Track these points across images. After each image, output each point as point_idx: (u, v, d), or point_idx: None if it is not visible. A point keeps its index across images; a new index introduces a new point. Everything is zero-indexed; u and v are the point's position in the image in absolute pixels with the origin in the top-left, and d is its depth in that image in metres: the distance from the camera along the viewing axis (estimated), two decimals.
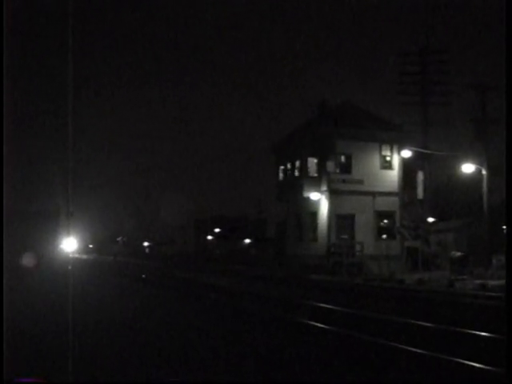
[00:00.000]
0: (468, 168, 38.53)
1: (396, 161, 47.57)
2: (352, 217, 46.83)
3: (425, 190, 50.13)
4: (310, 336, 15.33)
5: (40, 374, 10.44)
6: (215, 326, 17.48)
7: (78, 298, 21.91)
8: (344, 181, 46.98)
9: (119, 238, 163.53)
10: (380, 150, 47.64)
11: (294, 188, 50.14)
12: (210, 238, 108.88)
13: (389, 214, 47.67)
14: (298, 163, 50.99)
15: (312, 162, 49.21)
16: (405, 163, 47.54)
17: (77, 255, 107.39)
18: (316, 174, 48.60)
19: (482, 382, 10.28)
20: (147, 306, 23.36)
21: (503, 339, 12.47)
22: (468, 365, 11.00)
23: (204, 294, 28.49)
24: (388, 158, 47.81)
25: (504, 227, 46.79)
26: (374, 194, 46.89)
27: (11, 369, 8.16)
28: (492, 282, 29.88)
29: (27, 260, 40.62)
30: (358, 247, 45.45)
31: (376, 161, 47.55)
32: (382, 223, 47.75)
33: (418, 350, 12.39)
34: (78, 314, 17.11)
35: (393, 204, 47.45)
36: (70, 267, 38.67)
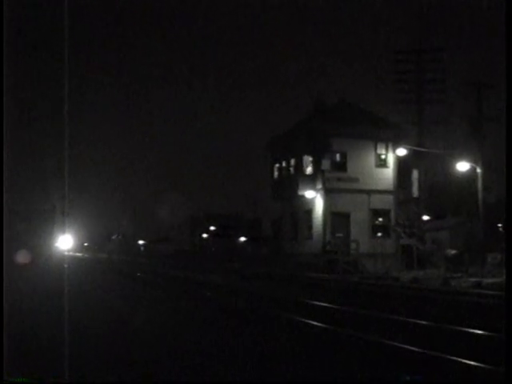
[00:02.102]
0: (463, 166, 38.58)
1: (391, 159, 47.60)
2: (347, 215, 46.84)
3: (420, 188, 50.21)
4: (302, 333, 15.38)
5: (37, 372, 10.46)
6: (211, 324, 17.52)
7: (73, 295, 21.92)
8: (339, 179, 46.97)
9: (114, 236, 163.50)
10: (375, 148, 47.65)
11: (289, 186, 50.14)
12: (205, 235, 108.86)
13: (384, 212, 47.69)
14: (293, 161, 50.99)
15: (307, 159, 49.21)
16: (400, 161, 47.57)
17: (71, 253, 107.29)
18: (311, 172, 48.61)
19: (480, 382, 10.32)
20: (142, 305, 23.38)
21: (499, 337, 12.55)
22: (465, 363, 11.04)
23: (199, 293, 28.52)
24: (383, 156, 47.83)
25: (499, 225, 46.97)
26: (369, 192, 46.91)
27: (11, 369, 8.18)
28: (487, 280, 29.93)
29: (23, 257, 40.62)
30: (353, 245, 45.47)
31: (371, 159, 47.57)
32: (377, 221, 47.77)
33: (412, 348, 12.44)
34: (74, 311, 17.13)
35: (388, 202, 47.49)
36: (66, 265, 38.67)
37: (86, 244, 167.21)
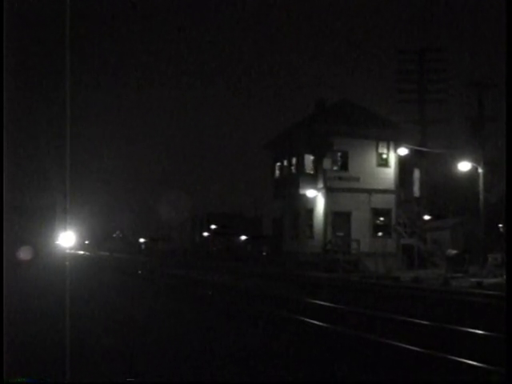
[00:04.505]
0: (464, 166, 38.53)
1: (392, 158, 47.57)
2: (348, 214, 46.83)
3: (421, 187, 50.17)
4: (300, 332, 15.38)
5: (38, 371, 10.46)
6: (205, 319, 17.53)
7: (74, 293, 21.89)
8: (340, 178, 46.97)
9: (115, 234, 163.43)
10: (377, 148, 47.63)
11: (290, 185, 50.12)
12: (206, 234, 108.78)
13: (385, 212, 47.66)
14: (294, 160, 50.95)
15: (308, 159, 49.17)
16: (401, 161, 47.55)
17: (73, 251, 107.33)
18: (312, 171, 48.59)
19: (481, 382, 10.30)
20: (141, 302, 23.39)
21: (499, 337, 12.53)
22: (465, 363, 11.03)
23: (198, 292, 28.52)
24: (384, 156, 47.81)
25: (500, 225, 46.93)
26: (370, 192, 46.89)
27: (11, 369, 8.16)
28: (488, 281, 29.94)
29: (24, 255, 40.61)
30: (354, 244, 45.44)
31: (372, 158, 47.55)
32: (378, 221, 47.74)
33: (412, 348, 12.42)
34: (75, 310, 17.10)
35: (389, 201, 47.45)
36: (67, 263, 38.66)
37: (86, 242, 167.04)
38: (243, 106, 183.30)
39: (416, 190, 49.92)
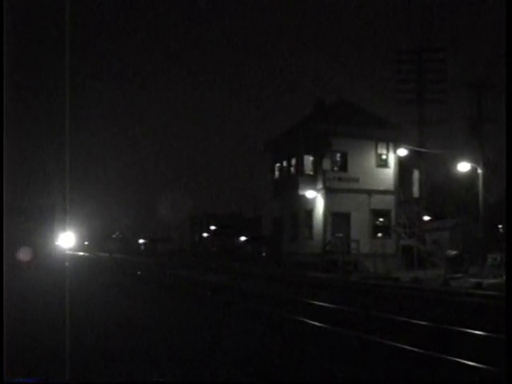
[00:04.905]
0: (463, 166, 38.54)
1: (392, 159, 47.61)
2: (348, 215, 46.85)
3: (420, 188, 50.17)
4: (299, 332, 15.38)
5: (38, 371, 10.45)
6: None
7: (74, 293, 21.90)
8: (340, 179, 46.99)
9: (114, 235, 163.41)
10: (376, 148, 47.68)
11: (289, 186, 50.14)
12: (205, 235, 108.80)
13: (384, 213, 47.69)
14: (293, 161, 50.99)
15: (308, 159, 49.21)
16: (401, 161, 47.59)
17: (72, 252, 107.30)
18: (312, 172, 48.61)
19: (480, 382, 10.30)
20: (138, 300, 23.37)
21: (499, 338, 12.53)
22: (465, 364, 11.02)
23: (197, 293, 28.52)
24: (384, 157, 47.85)
25: (500, 226, 46.94)
26: (369, 192, 46.91)
27: (11, 369, 8.15)
28: (488, 281, 29.94)
29: (23, 255, 40.59)
30: (353, 245, 45.46)
31: (372, 159, 47.58)
32: (377, 221, 47.77)
33: (411, 348, 12.42)
34: (75, 310, 17.09)
35: (388, 202, 47.49)
36: (67, 263, 38.72)
37: (86, 242, 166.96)
38: (243, 106, 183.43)
39: (415, 191, 49.93)
